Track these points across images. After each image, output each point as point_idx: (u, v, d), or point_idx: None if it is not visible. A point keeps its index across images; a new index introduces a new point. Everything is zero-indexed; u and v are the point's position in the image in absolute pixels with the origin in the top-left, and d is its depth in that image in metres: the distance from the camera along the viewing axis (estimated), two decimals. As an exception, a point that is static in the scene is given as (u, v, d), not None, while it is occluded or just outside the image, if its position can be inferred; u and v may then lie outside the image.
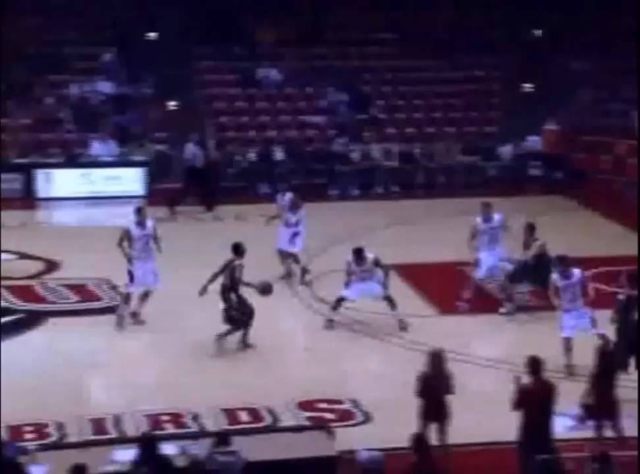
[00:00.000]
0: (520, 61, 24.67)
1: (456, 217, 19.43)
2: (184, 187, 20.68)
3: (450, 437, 10.06)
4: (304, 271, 15.95)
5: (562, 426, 10.34)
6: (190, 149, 20.78)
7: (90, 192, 21.56)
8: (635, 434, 9.95)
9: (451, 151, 22.49)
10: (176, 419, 11.07)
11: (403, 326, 13.75)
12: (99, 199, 21.21)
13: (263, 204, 20.72)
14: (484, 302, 14.78)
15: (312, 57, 24.75)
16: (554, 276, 12.49)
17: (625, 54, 23.08)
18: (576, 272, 12.52)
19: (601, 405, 10.07)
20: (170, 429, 10.83)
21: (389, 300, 13.79)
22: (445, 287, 15.63)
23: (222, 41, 24.25)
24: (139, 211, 14.06)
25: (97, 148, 22.16)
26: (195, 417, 11.10)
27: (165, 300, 14.12)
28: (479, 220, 14.66)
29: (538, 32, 25.72)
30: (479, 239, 14.58)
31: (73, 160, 22.01)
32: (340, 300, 13.85)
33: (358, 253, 13.72)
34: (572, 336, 12.27)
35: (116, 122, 22.83)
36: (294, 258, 15.93)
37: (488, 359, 12.78)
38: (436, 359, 10.00)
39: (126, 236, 13.82)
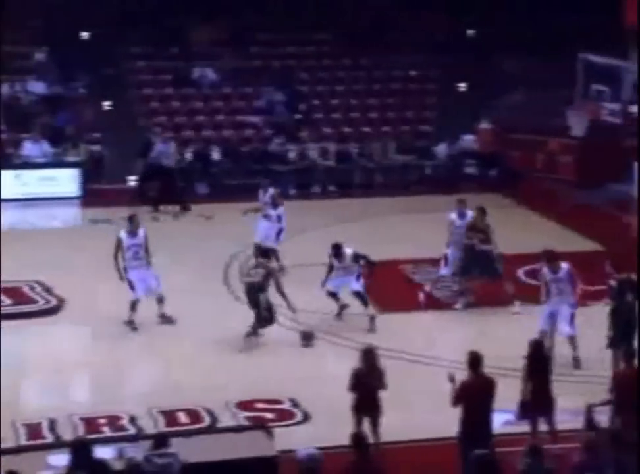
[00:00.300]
0: (454, 61, 24.88)
1: (394, 216, 19.60)
2: (139, 186, 20.57)
3: (391, 434, 10.11)
4: (281, 268, 15.94)
5: (501, 421, 10.45)
6: (158, 147, 20.63)
7: (24, 194, 21.17)
8: (571, 426, 10.10)
9: (387, 150, 22.59)
10: (113, 421, 10.91)
11: (372, 328, 13.64)
12: (33, 201, 20.85)
13: (201, 204, 20.67)
14: (417, 300, 14.85)
15: (248, 57, 24.66)
16: (544, 270, 12.65)
17: (557, 53, 23.46)
18: (564, 267, 12.64)
19: (536, 400, 10.17)
20: (107, 432, 10.67)
21: (360, 296, 13.87)
22: (385, 285, 15.68)
23: (157, 41, 24.03)
24: (131, 219, 13.86)
25: (30, 149, 21.77)
26: (133, 419, 10.96)
27: (102, 302, 13.93)
28: (454, 216, 14.76)
29: (471, 32, 25.98)
30: (453, 235, 14.72)
31: (5, 161, 21.59)
32: (332, 295, 13.99)
33: (337, 249, 13.83)
34: (546, 329, 12.42)
35: (49, 122, 22.46)
36: (275, 254, 15.97)
37: (430, 356, 12.83)
38: (369, 355, 10.07)
39: (118, 243, 13.67)
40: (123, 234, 13.70)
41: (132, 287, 13.63)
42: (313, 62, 24.90)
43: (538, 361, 10.23)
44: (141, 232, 13.76)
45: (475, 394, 9.48)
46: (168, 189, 20.28)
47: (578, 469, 8.02)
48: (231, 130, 23.20)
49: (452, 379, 9.54)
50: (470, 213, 14.87)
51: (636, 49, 16.55)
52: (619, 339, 11.79)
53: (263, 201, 16.45)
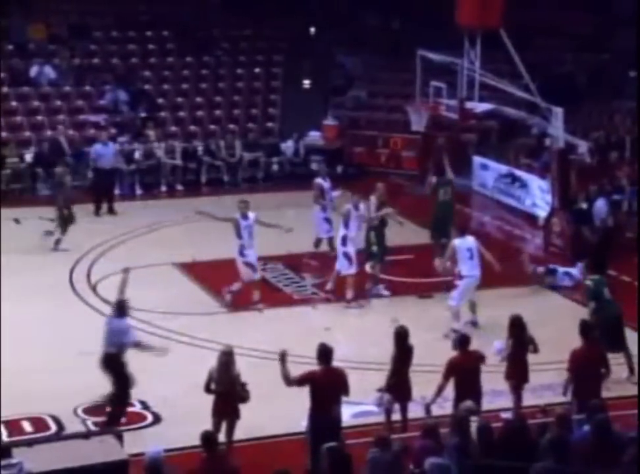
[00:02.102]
0: (298, 58, 25.13)
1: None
2: (91, 188, 19.97)
3: (244, 431, 10.14)
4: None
5: (353, 412, 10.65)
6: (96, 149, 20.00)
7: None
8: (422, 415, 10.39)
9: (234, 147, 22.57)
10: (-51, 434, 10.49)
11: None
12: None
13: (43, 206, 20.08)
14: (273, 297, 14.95)
15: (87, 54, 24.13)
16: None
17: (396, 51, 24.12)
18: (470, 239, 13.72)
19: (397, 388, 10.37)
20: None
21: None
22: (233, 283, 15.67)
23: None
24: (244, 204, 14.51)
25: None
26: (-28, 432, 10.57)
27: None
28: (349, 208, 14.92)
29: (313, 29, 26.28)
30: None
31: None
32: None
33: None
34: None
35: None
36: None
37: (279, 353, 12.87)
38: (226, 357, 10.04)
39: (237, 225, 14.34)
40: (238, 216, 14.36)
41: (253, 269, 14.32)
42: (156, 60, 24.61)
43: (402, 351, 10.45)
44: (251, 215, 14.48)
45: (324, 387, 9.60)
46: (106, 191, 19.82)
47: (420, 455, 8.25)
48: (73, 129, 22.61)
49: (282, 357, 9.65)
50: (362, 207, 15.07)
51: (470, 46, 17.16)
52: (607, 338, 11.76)
53: (326, 189, 16.34)
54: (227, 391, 9.96)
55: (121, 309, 11.16)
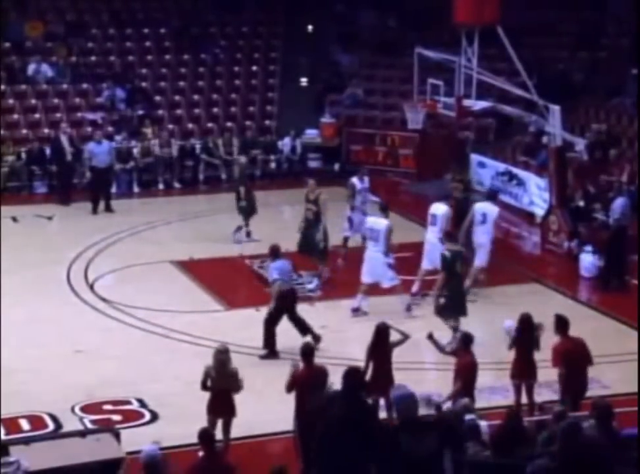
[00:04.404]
0: (295, 56, 25.13)
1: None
2: (88, 187, 19.97)
3: (240, 429, 10.14)
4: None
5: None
6: (90, 147, 19.96)
7: None
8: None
9: (231, 145, 22.55)
10: (-53, 432, 10.47)
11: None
12: None
13: (40, 204, 20.11)
14: (270, 294, 14.93)
15: (85, 52, 24.11)
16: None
17: (393, 48, 24.12)
18: None
19: (376, 383, 10.36)
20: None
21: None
22: (231, 281, 15.70)
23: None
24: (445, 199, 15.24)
25: None
26: (-30, 430, 10.55)
27: None
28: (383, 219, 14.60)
29: (309, 27, 26.28)
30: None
31: None
32: None
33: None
34: None
35: None
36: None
37: (281, 350, 12.88)
38: (222, 356, 10.05)
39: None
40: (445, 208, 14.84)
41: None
42: (153, 58, 24.59)
43: (382, 345, 10.47)
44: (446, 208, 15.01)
45: (307, 384, 9.64)
46: (103, 189, 19.74)
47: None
48: (70, 127, 22.54)
49: (296, 368, 9.75)
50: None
51: (467, 43, 17.15)
52: (451, 309, 12.61)
53: (360, 188, 16.24)
54: (224, 389, 9.96)
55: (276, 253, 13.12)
